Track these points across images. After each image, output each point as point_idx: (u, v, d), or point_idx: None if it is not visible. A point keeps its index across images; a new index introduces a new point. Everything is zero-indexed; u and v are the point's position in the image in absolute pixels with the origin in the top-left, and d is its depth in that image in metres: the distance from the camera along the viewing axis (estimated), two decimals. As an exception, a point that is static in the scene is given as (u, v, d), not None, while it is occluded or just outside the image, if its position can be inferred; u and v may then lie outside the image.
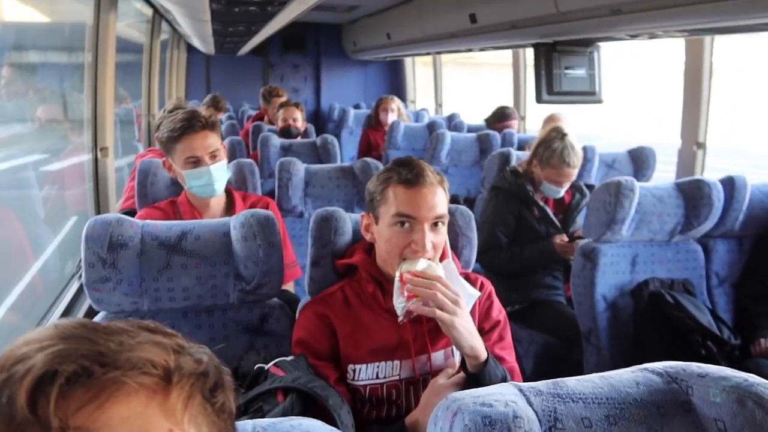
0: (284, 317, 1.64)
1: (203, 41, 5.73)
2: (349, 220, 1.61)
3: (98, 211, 3.04)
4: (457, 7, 3.60)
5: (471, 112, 5.96)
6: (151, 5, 4.69)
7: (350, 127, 6.37)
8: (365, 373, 1.43)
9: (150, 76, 5.30)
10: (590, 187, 2.81)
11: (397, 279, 1.36)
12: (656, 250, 2.26)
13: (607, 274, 2.20)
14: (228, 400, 0.61)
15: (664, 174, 3.73)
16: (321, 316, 1.45)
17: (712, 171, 2.78)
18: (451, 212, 1.57)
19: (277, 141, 3.47)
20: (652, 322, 2.14)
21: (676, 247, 2.29)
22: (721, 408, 0.72)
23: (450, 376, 1.36)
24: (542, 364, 2.51)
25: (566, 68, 3.01)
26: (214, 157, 2.02)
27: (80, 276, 2.04)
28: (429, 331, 1.43)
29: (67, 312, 2.41)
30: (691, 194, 2.21)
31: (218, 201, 2.13)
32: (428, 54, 6.53)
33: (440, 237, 1.42)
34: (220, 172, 2.05)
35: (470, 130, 4.86)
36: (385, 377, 1.43)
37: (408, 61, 7.66)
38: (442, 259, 1.44)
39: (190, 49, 7.56)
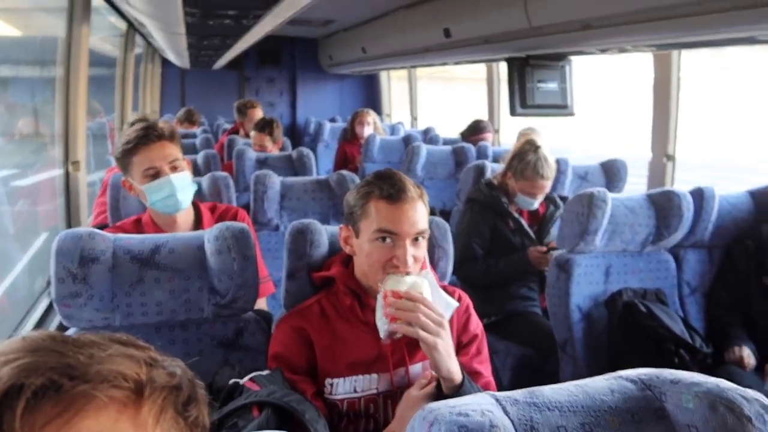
0: (259, 331, 1.62)
1: (178, 55, 5.69)
2: (325, 233, 1.60)
3: (69, 226, 2.98)
4: (432, 21, 3.64)
5: (446, 126, 6.01)
6: (126, 19, 4.65)
7: (326, 140, 6.39)
8: (343, 387, 1.42)
9: (124, 89, 5.24)
10: (564, 198, 2.84)
11: (380, 297, 1.35)
12: (629, 261, 2.30)
13: (582, 285, 2.22)
14: (202, 415, 0.60)
15: (636, 186, 3.79)
16: (298, 329, 1.44)
17: (682, 183, 2.83)
18: (427, 224, 1.58)
19: (252, 154, 3.46)
20: (626, 332, 2.17)
21: (648, 257, 2.32)
22: (693, 414, 0.72)
23: (423, 386, 1.35)
24: (519, 376, 2.52)
25: (539, 82, 3.06)
26: (174, 168, 1.85)
27: (50, 292, 1.99)
28: (407, 344, 1.42)
29: (36, 329, 2.35)
30: (662, 205, 2.25)
31: (185, 217, 1.96)
32: (403, 68, 6.58)
33: (421, 251, 1.42)
34: (183, 182, 1.87)
35: (445, 143, 4.91)
36: (363, 391, 1.42)
37: (383, 75, 7.70)
38: (421, 269, 1.44)
39: (165, 62, 7.51)
